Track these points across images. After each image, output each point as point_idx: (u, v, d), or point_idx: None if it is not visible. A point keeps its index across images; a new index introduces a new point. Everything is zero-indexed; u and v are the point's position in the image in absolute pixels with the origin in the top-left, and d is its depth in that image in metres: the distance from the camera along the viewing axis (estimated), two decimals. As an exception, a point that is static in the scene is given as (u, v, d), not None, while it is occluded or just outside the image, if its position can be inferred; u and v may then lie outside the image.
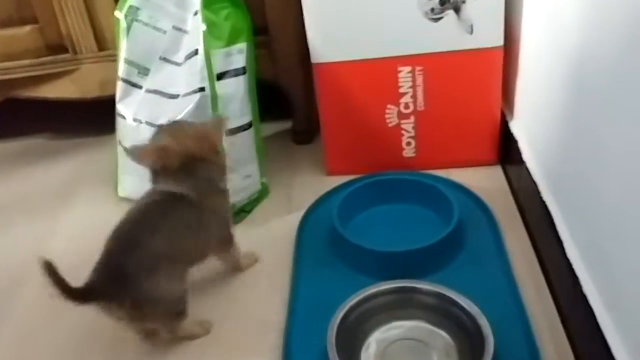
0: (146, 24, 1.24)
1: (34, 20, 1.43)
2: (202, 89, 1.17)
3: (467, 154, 1.35)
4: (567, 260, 0.95)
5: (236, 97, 1.21)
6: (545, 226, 1.05)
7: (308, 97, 1.44)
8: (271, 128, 1.57)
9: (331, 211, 1.19)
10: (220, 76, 1.19)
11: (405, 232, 1.20)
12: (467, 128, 1.32)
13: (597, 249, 0.88)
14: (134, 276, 0.92)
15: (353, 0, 1.20)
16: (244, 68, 1.21)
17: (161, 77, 1.26)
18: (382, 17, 1.21)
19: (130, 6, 1.24)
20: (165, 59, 1.25)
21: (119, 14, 1.24)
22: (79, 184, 1.50)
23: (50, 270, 0.86)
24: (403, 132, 1.33)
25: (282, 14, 1.35)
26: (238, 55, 1.20)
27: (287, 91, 1.47)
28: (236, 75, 1.21)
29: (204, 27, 1.16)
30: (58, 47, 1.45)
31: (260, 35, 1.31)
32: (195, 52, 1.17)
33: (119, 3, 1.26)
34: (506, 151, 1.33)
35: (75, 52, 1.45)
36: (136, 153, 1.02)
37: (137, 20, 1.24)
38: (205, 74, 1.16)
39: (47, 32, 1.44)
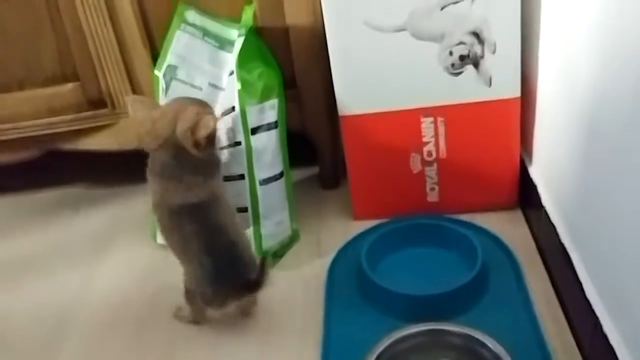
0: (184, 82, 1.29)
1: (75, 78, 1.48)
2: (238, 143, 1.23)
3: (489, 199, 1.38)
4: (587, 301, 0.98)
5: (269, 149, 1.26)
6: (565, 268, 1.08)
7: (334, 144, 1.49)
8: (299, 174, 1.58)
9: (359, 255, 1.23)
10: (254, 130, 1.23)
11: (431, 275, 1.23)
12: (487, 174, 1.35)
13: (617, 290, 0.90)
14: (245, 263, 1.11)
15: (378, 56, 1.24)
16: (275, 122, 1.26)
17: (198, 131, 1.31)
18: (405, 71, 1.25)
19: (169, 65, 1.29)
20: (202, 115, 1.30)
21: (158, 73, 1.30)
22: (117, 231, 1.53)
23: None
24: (427, 178, 1.37)
25: (309, 68, 1.40)
26: (270, 111, 1.25)
27: (314, 140, 1.51)
28: (269, 129, 1.25)
29: (239, 86, 1.21)
30: (98, 102, 1.50)
31: (289, 87, 1.35)
32: (232, 109, 1.22)
33: (158, 63, 1.31)
34: (526, 195, 1.35)
35: (114, 107, 1.49)
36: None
37: (175, 79, 1.29)
38: (241, 128, 1.22)
39: (88, 89, 1.48)
